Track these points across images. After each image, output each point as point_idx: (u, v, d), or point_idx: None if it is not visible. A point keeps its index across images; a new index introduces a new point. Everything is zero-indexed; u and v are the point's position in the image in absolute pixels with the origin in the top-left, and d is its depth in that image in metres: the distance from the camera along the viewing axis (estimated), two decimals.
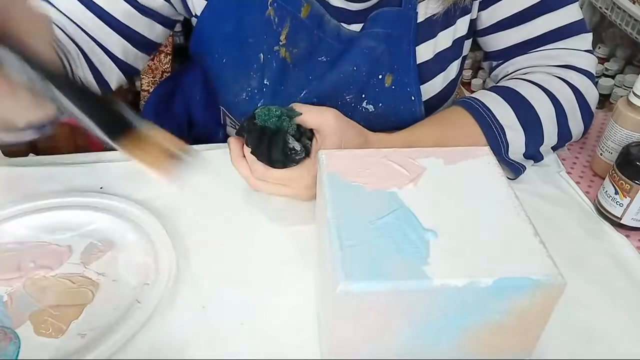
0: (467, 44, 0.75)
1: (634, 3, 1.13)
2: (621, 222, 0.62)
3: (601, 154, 0.70)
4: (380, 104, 0.70)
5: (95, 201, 0.60)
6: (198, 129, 0.91)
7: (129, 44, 0.67)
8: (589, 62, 0.70)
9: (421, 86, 0.70)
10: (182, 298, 0.52)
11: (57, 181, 0.65)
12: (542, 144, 0.65)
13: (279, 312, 0.51)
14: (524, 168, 0.66)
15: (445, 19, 0.68)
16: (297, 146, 0.56)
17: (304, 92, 0.69)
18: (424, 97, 0.71)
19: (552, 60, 0.69)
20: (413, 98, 0.70)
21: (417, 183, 0.44)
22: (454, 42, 0.71)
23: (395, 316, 0.37)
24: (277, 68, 0.68)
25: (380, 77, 0.68)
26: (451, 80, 0.74)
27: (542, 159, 0.68)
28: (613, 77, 1.36)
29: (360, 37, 0.66)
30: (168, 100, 0.94)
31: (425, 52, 0.69)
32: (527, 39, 0.70)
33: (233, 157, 0.60)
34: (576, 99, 0.67)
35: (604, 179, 0.64)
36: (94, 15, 0.63)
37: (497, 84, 0.71)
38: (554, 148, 0.68)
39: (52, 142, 1.28)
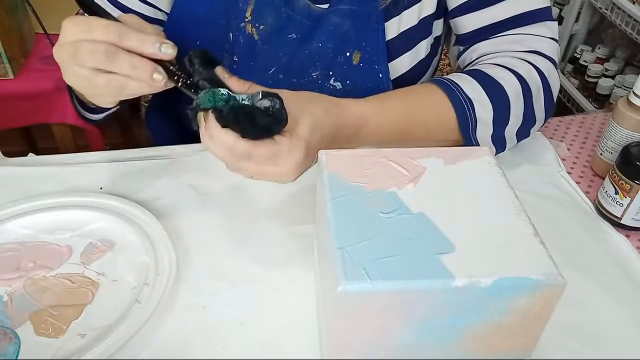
0: (438, 24, 0.74)
1: (633, 3, 1.14)
2: (621, 222, 0.62)
3: (601, 154, 0.70)
4: (348, 82, 0.70)
5: (95, 201, 0.60)
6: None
7: None
8: (553, 49, 0.69)
9: (389, 64, 0.70)
10: (182, 298, 0.52)
11: (57, 181, 0.65)
12: (508, 125, 0.64)
13: (279, 312, 0.51)
14: None
15: None
16: (268, 102, 0.48)
17: (273, 69, 0.69)
18: (393, 75, 0.71)
19: (516, 45, 0.68)
20: (381, 76, 0.70)
21: (417, 183, 0.44)
22: (421, 20, 0.70)
23: (395, 316, 0.38)
24: (245, 44, 0.68)
25: (347, 54, 0.69)
26: (420, 61, 0.73)
27: (503, 149, 0.66)
28: (613, 77, 1.36)
29: (327, 14, 0.67)
30: (171, 100, 0.94)
31: (390, 30, 0.69)
32: (492, 23, 0.69)
33: (211, 131, 0.48)
34: (541, 81, 0.66)
35: (604, 179, 0.64)
36: None
37: (464, 70, 0.70)
38: (518, 135, 0.67)
39: (52, 142, 1.28)
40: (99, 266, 0.54)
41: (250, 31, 0.68)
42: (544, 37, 0.69)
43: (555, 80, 0.68)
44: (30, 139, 1.60)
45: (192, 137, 0.92)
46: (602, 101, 1.67)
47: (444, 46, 0.81)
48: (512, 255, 0.38)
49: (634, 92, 0.65)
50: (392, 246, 0.38)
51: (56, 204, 0.60)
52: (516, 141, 0.67)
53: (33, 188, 0.63)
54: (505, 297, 0.37)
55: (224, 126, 0.47)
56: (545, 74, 0.66)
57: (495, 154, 0.66)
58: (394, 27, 0.69)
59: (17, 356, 0.45)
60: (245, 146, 0.47)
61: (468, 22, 0.71)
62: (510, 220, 0.41)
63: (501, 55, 0.68)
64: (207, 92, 0.48)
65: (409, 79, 0.74)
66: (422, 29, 0.71)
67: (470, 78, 0.64)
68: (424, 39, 0.72)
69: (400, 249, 0.38)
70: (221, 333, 0.49)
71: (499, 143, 0.65)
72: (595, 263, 0.58)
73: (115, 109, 0.73)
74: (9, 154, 0.70)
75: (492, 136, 0.64)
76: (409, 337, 0.39)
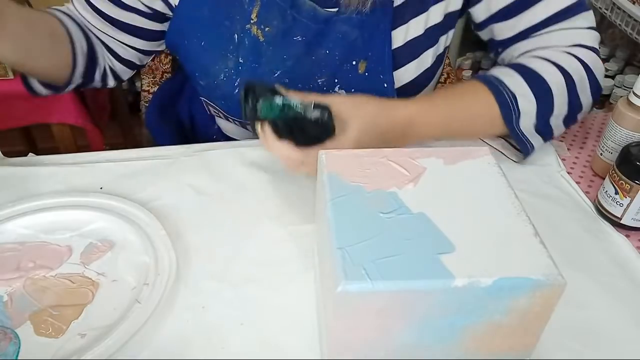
0: (446, 37, 0.74)
1: (634, 3, 1.13)
2: (621, 222, 0.62)
3: (601, 154, 0.70)
4: (353, 90, 0.71)
5: (95, 201, 0.60)
6: (198, 126, 0.92)
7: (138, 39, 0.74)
8: (592, 38, 0.71)
9: (393, 72, 0.70)
10: (182, 298, 0.52)
11: (57, 181, 0.65)
12: (552, 115, 0.66)
13: (279, 312, 0.51)
14: (532, 147, 0.66)
15: (418, 6, 0.68)
16: (318, 113, 0.54)
17: (278, 72, 0.69)
18: (397, 84, 0.72)
19: (557, 40, 0.70)
20: (385, 85, 0.70)
21: (417, 183, 0.44)
22: (427, 30, 0.70)
23: (395, 316, 0.38)
24: (250, 46, 0.68)
25: (354, 63, 0.69)
26: (425, 70, 0.74)
27: (552, 136, 0.68)
28: (613, 77, 1.36)
29: (335, 20, 0.67)
30: (171, 100, 0.94)
31: (396, 38, 0.69)
32: (529, 26, 0.70)
33: (270, 142, 0.55)
34: (585, 71, 0.68)
35: (604, 179, 0.64)
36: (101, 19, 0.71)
37: (507, 64, 0.71)
38: (565, 122, 0.68)
39: (52, 142, 1.28)
40: (99, 266, 0.54)
41: (255, 33, 0.68)
42: (583, 29, 0.70)
43: (600, 68, 0.70)
44: (30, 139, 1.60)
45: (192, 137, 0.93)
46: (602, 101, 1.67)
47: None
48: (512, 255, 0.38)
49: (634, 92, 0.65)
50: (392, 246, 0.38)
51: (56, 204, 0.60)
52: (564, 128, 0.69)
53: (33, 188, 0.63)
54: (505, 297, 0.37)
55: (280, 136, 0.54)
56: (590, 65, 0.68)
57: (544, 142, 0.69)
58: (400, 36, 0.69)
59: (17, 356, 0.45)
60: (299, 155, 0.54)
61: (507, 28, 0.72)
62: (510, 220, 0.41)
63: (543, 50, 0.69)
64: (265, 103, 0.53)
65: (413, 88, 0.74)
66: (428, 38, 0.71)
67: (513, 71, 0.66)
68: (429, 48, 0.72)
69: (400, 249, 0.38)
70: (221, 333, 0.49)
71: (545, 132, 0.67)
72: (595, 263, 0.57)
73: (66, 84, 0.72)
74: (9, 154, 0.70)
75: (535, 126, 0.65)
76: (409, 337, 0.39)
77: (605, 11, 1.24)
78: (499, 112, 0.64)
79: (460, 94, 0.66)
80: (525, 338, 0.41)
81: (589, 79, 0.68)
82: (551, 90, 0.65)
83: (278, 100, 0.54)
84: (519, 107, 0.64)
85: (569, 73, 0.66)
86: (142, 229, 0.57)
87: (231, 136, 0.86)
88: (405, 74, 0.72)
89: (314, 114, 0.54)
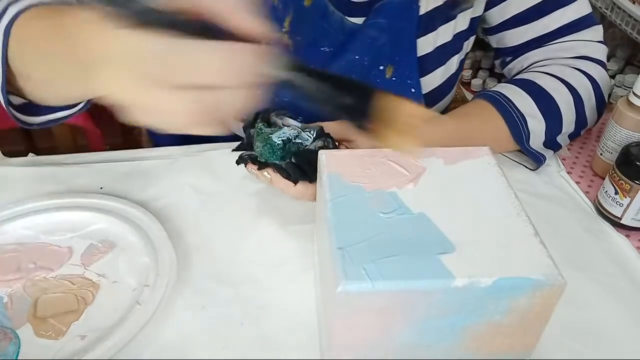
0: (469, 41, 0.75)
1: (634, 3, 1.13)
2: (621, 222, 0.62)
3: (601, 154, 0.70)
4: None
5: (96, 202, 0.60)
6: None
7: None
8: (601, 52, 0.72)
9: (421, 79, 0.71)
10: (182, 298, 0.52)
11: (57, 181, 0.65)
12: (560, 132, 0.67)
13: (279, 312, 0.51)
14: (545, 158, 0.67)
15: (447, 13, 0.69)
16: (320, 143, 0.55)
17: None
18: (424, 90, 0.72)
19: (566, 52, 0.71)
20: (413, 90, 0.70)
21: (417, 183, 0.44)
22: (454, 36, 0.71)
23: (395, 316, 0.38)
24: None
25: (381, 68, 0.69)
26: (451, 75, 0.74)
27: (561, 147, 0.70)
28: (613, 77, 1.36)
29: (363, 27, 0.67)
30: None
31: (426, 44, 0.70)
32: (540, 35, 0.71)
33: (282, 186, 0.56)
34: (592, 87, 0.69)
35: (604, 179, 0.64)
36: None
37: (515, 77, 0.72)
38: (571, 136, 0.70)
39: (52, 142, 1.28)
40: (99, 267, 0.54)
41: (286, 42, 0.68)
42: (592, 42, 0.72)
43: (606, 82, 0.71)
44: (30, 139, 1.60)
45: (192, 137, 0.93)
46: None
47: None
48: (512, 255, 0.38)
49: (633, 92, 0.65)
50: (392, 246, 0.38)
51: (56, 204, 0.60)
52: (569, 141, 0.71)
53: (33, 188, 0.63)
54: (505, 297, 0.37)
55: (288, 177, 0.55)
56: (596, 79, 0.69)
57: (554, 153, 0.70)
58: (430, 42, 0.70)
59: (17, 356, 0.45)
60: (300, 189, 0.56)
61: (516, 36, 0.73)
62: (510, 220, 0.41)
63: (551, 63, 0.71)
64: (265, 147, 0.55)
65: (439, 93, 0.75)
66: (454, 44, 0.72)
67: (521, 90, 0.67)
68: (456, 54, 0.73)
69: (400, 249, 0.38)
70: (221, 333, 0.49)
71: (553, 147, 0.68)
72: (595, 263, 0.57)
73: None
74: (9, 154, 0.70)
75: (544, 143, 0.67)
76: (409, 337, 0.39)
77: (605, 11, 1.24)
78: (510, 134, 0.65)
79: (471, 116, 0.67)
80: (525, 338, 0.41)
81: (595, 95, 0.69)
82: (560, 111, 0.66)
83: (276, 139, 0.54)
84: (529, 128, 0.65)
85: (577, 91, 0.67)
86: (142, 229, 0.57)
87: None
88: (433, 80, 0.73)
89: (318, 144, 0.54)
